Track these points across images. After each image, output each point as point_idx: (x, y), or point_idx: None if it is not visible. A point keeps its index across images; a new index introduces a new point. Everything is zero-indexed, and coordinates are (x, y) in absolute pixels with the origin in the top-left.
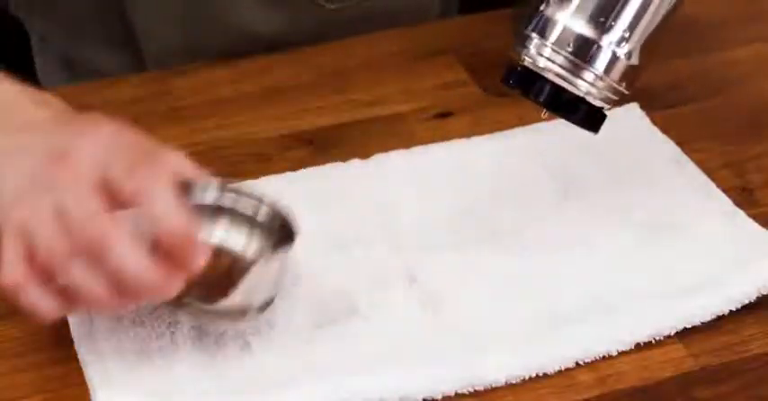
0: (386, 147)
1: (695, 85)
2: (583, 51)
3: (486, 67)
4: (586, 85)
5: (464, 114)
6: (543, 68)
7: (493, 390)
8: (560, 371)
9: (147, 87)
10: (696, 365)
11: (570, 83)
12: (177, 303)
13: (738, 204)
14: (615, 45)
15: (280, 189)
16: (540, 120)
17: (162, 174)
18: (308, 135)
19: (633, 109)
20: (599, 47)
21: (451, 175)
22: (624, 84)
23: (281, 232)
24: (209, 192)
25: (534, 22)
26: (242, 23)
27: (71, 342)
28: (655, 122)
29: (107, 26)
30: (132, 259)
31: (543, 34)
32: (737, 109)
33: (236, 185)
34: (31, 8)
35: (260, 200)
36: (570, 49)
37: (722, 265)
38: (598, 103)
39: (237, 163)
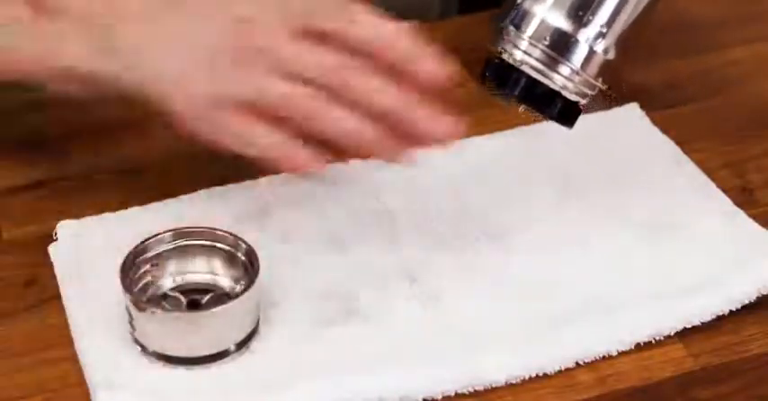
0: None
1: (695, 85)
2: (560, 45)
3: None
4: (562, 80)
5: (464, 114)
6: (520, 61)
7: (493, 390)
8: (560, 371)
9: None
10: (696, 365)
11: (546, 76)
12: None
13: (738, 204)
14: (592, 40)
15: (279, 189)
16: (540, 120)
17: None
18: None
19: (633, 109)
20: (576, 41)
21: (451, 175)
22: (600, 80)
23: (246, 256)
24: (163, 242)
25: (512, 15)
26: None
27: (71, 342)
28: (655, 122)
29: None
30: (389, 90)
31: (520, 27)
32: (737, 109)
33: (185, 228)
34: None
35: (213, 235)
36: (547, 43)
37: (722, 265)
38: (573, 98)
39: (237, 163)
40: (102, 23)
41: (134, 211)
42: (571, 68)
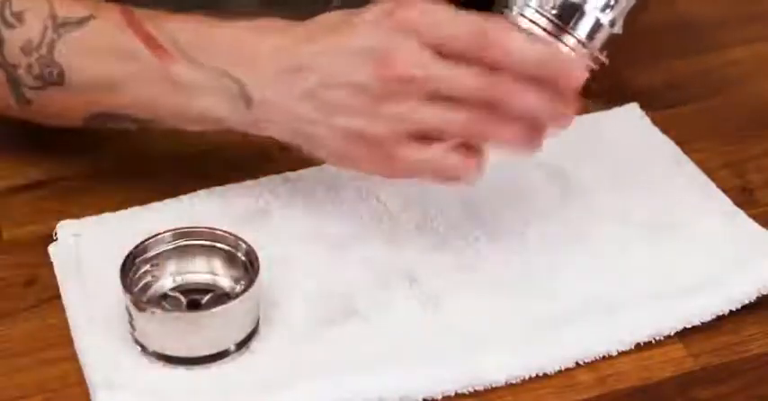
0: None
1: (695, 85)
2: (566, 15)
3: None
4: (567, 50)
5: None
6: (525, 30)
7: (493, 390)
8: (560, 371)
9: None
10: (696, 365)
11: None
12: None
13: (738, 204)
14: (599, 11)
15: (279, 189)
16: None
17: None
18: None
19: (633, 109)
20: (583, 12)
21: None
22: (605, 53)
23: (246, 256)
24: (163, 242)
25: None
26: None
27: (71, 342)
28: (655, 122)
29: None
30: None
31: None
32: (737, 109)
33: (186, 228)
34: None
35: (213, 235)
36: (554, 12)
37: (722, 265)
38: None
39: (237, 163)
40: (235, 75)
41: (134, 211)
42: (577, 39)
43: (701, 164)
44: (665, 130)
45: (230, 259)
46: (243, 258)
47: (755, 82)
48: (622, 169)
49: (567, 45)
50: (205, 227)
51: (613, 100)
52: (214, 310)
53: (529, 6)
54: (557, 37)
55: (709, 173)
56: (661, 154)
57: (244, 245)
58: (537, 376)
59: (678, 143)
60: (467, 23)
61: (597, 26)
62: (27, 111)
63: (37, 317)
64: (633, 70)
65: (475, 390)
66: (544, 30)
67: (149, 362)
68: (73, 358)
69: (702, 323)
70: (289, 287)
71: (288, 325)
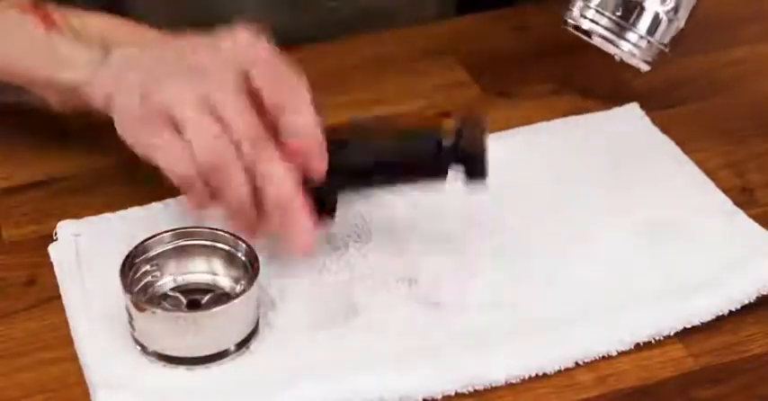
0: None
1: (695, 85)
2: (626, 12)
3: (486, 67)
4: (630, 46)
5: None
6: (588, 31)
7: (493, 390)
8: (560, 371)
9: None
10: (696, 365)
11: (614, 44)
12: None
13: (738, 204)
14: (659, 5)
15: None
16: (540, 119)
17: (303, 89)
18: None
19: (633, 109)
20: (642, 8)
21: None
22: (668, 45)
23: (246, 256)
24: (163, 242)
25: None
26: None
27: (71, 342)
28: (655, 122)
29: None
30: (285, 181)
31: None
32: (737, 109)
33: (187, 228)
34: None
35: (214, 235)
36: (614, 11)
37: (722, 265)
38: (642, 66)
39: None
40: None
41: (134, 211)
42: (639, 35)
43: (700, 164)
44: (665, 130)
45: (230, 259)
46: (243, 258)
47: (755, 82)
48: (622, 169)
49: (629, 41)
50: (205, 227)
51: (613, 100)
52: (214, 310)
53: (590, 7)
54: (619, 35)
55: (709, 173)
56: (661, 154)
57: (243, 245)
58: (537, 376)
59: (678, 143)
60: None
61: (657, 21)
62: None
63: (37, 317)
64: (633, 70)
65: (475, 390)
66: (606, 28)
67: (149, 362)
68: (73, 358)
69: (702, 323)
70: (289, 287)
71: (288, 325)
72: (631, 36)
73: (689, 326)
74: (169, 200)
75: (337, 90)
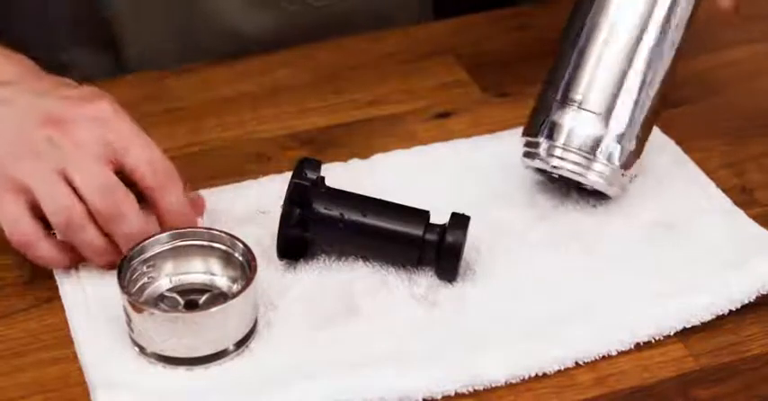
0: (386, 147)
1: (695, 85)
2: (590, 147)
3: (486, 67)
4: (597, 176)
5: (464, 114)
6: (556, 167)
7: (493, 390)
8: (560, 371)
9: (145, 87)
10: (696, 365)
11: (582, 175)
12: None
13: (738, 204)
14: (619, 137)
15: (280, 189)
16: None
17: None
18: (308, 135)
19: None
20: (602, 140)
21: (451, 175)
22: (630, 171)
23: (243, 257)
24: (159, 243)
25: (542, 128)
26: (227, 24)
27: (71, 342)
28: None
29: (84, 28)
30: (140, 228)
31: (552, 137)
32: (737, 109)
33: (182, 228)
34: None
35: (211, 234)
36: (579, 147)
37: (722, 265)
38: (610, 191)
39: (237, 163)
40: None
41: None
42: (603, 164)
43: (701, 164)
44: (665, 130)
45: (227, 259)
46: (240, 258)
47: (755, 82)
48: None
49: (597, 171)
50: (202, 228)
51: None
52: (211, 310)
53: (555, 146)
54: (587, 167)
55: (709, 173)
56: (661, 154)
57: (240, 245)
58: (537, 376)
59: (678, 143)
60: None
61: (619, 147)
62: None
63: (36, 317)
64: None
65: (475, 390)
66: (574, 163)
67: (149, 362)
68: (73, 358)
69: (702, 323)
70: (288, 287)
71: (287, 325)
72: (597, 166)
73: (689, 326)
74: None
75: (337, 90)
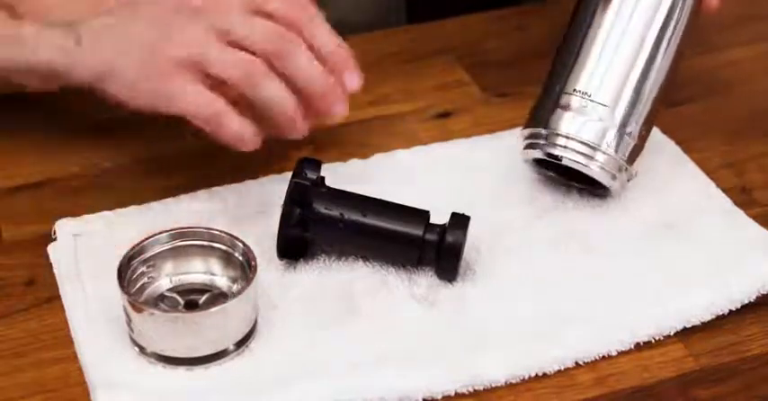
0: (386, 147)
1: (695, 85)
2: (594, 136)
3: (486, 67)
4: (599, 167)
5: (464, 114)
6: (559, 157)
7: (493, 390)
8: (560, 371)
9: None
10: (696, 365)
11: (585, 166)
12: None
13: (738, 204)
14: (621, 126)
15: (280, 189)
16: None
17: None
18: (308, 135)
19: None
20: (607, 129)
21: (451, 175)
22: (632, 168)
23: (243, 257)
24: (160, 242)
25: (546, 118)
26: None
27: (71, 342)
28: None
29: None
30: (313, 67)
31: (555, 127)
32: (737, 109)
33: (183, 228)
34: None
35: (211, 234)
36: (582, 136)
37: (722, 265)
38: (612, 185)
39: (237, 163)
40: (68, 23)
41: (133, 211)
42: (608, 155)
43: (701, 164)
44: (665, 130)
45: (227, 259)
46: (240, 258)
47: (755, 82)
48: None
49: (600, 162)
50: (202, 227)
51: None
52: (212, 310)
53: (559, 135)
54: (591, 158)
55: (709, 173)
56: (661, 154)
57: (240, 245)
58: (537, 376)
59: (678, 143)
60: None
61: (623, 140)
62: None
63: (36, 317)
64: None
65: (475, 390)
66: (578, 152)
67: (149, 362)
68: (73, 358)
69: (702, 323)
70: (288, 287)
71: (287, 325)
72: (600, 156)
73: (689, 326)
74: (169, 200)
75: None
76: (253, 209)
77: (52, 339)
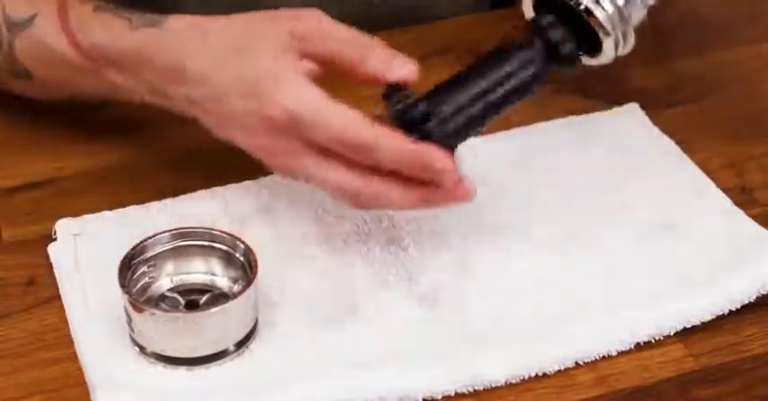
0: None
1: (695, 85)
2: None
3: None
4: (604, 14)
5: None
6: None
7: (493, 390)
8: (560, 371)
9: None
10: (696, 365)
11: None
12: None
13: (738, 204)
14: None
15: (279, 189)
16: (540, 119)
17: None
18: None
19: (633, 109)
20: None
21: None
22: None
23: (244, 257)
24: (161, 242)
25: None
26: None
27: (71, 342)
28: (655, 122)
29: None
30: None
31: None
32: (738, 109)
33: (185, 228)
34: None
35: (211, 234)
36: None
37: (722, 265)
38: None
39: (237, 163)
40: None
41: (133, 211)
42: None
43: (701, 164)
44: (665, 130)
45: (228, 259)
46: (241, 258)
47: (755, 82)
48: (622, 169)
49: (603, 6)
50: (203, 228)
51: (613, 100)
52: (212, 310)
53: None
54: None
55: (709, 173)
56: (661, 154)
57: (241, 245)
58: (537, 376)
59: (678, 143)
60: (341, 121)
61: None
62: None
63: (37, 317)
64: (633, 70)
65: (475, 390)
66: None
67: (149, 362)
68: (73, 358)
69: (702, 323)
70: (288, 287)
71: (287, 325)
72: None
73: (689, 326)
74: (168, 201)
75: (339, 88)
76: (253, 209)
77: (52, 339)
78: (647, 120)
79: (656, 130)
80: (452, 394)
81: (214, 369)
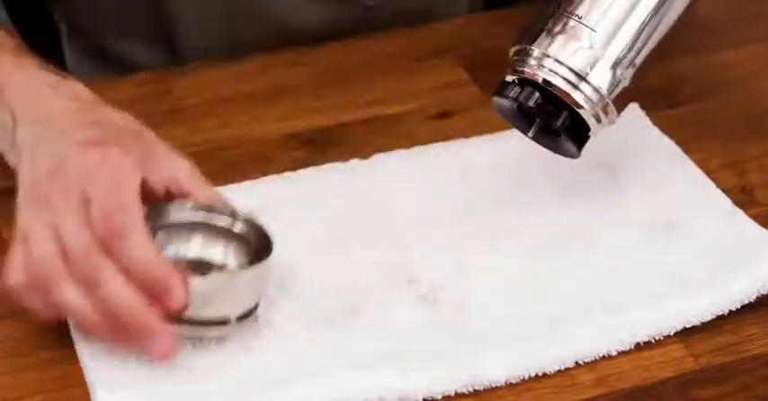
0: (386, 147)
1: (695, 85)
2: (582, 66)
3: (486, 67)
4: (584, 98)
5: (464, 114)
6: (546, 80)
7: (493, 390)
8: (560, 371)
9: (147, 87)
10: (696, 365)
11: (567, 94)
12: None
13: (738, 204)
14: (614, 61)
15: (279, 189)
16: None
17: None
18: (308, 135)
19: (633, 109)
20: (597, 61)
21: (451, 175)
22: (610, 115)
23: (258, 243)
24: (183, 211)
25: (537, 39)
26: (281, 19)
27: (71, 342)
28: (655, 122)
29: (142, 20)
30: (123, 297)
31: (544, 47)
32: (737, 109)
33: (208, 202)
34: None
35: (234, 215)
36: (572, 62)
37: (722, 265)
38: (590, 120)
39: (237, 163)
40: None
41: None
42: (594, 88)
43: (700, 164)
44: (665, 130)
45: (244, 242)
46: (255, 243)
47: (755, 82)
48: (622, 169)
49: (584, 93)
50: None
51: (613, 100)
52: (256, 266)
53: (548, 57)
54: (575, 86)
55: (709, 173)
56: (661, 154)
57: (256, 231)
58: (537, 376)
59: (678, 143)
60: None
61: (613, 77)
62: None
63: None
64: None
65: (475, 390)
66: (564, 79)
67: (149, 362)
68: (73, 358)
69: (702, 323)
70: (289, 287)
71: (288, 324)
72: (586, 88)
73: (689, 326)
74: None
75: (337, 90)
76: (253, 209)
77: (52, 339)
78: (646, 120)
79: (656, 130)
80: (452, 394)
81: (214, 369)
